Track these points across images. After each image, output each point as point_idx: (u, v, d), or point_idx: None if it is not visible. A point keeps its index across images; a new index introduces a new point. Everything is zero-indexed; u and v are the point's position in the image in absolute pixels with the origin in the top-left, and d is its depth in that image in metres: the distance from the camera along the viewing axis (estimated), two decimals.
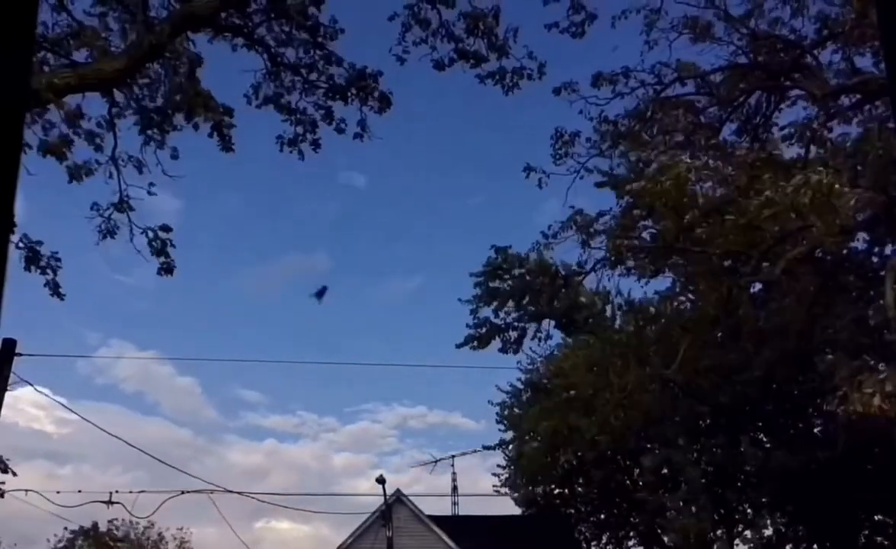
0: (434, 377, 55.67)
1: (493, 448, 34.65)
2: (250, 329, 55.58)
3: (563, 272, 20.88)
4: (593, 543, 34.04)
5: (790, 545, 30.38)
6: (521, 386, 33.91)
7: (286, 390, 64.00)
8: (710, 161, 16.80)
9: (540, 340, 21.90)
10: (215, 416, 60.93)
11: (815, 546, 29.42)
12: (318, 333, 55.56)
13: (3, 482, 23.20)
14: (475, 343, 22.17)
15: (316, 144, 14.58)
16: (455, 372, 53.53)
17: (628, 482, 32.82)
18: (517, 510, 34.79)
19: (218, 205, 56.41)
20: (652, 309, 25.04)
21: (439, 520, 27.74)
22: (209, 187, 59.02)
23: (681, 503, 28.87)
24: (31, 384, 14.74)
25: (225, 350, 58.89)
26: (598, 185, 20.63)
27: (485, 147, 58.40)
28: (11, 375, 13.50)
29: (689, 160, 16.58)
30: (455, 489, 32.12)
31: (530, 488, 33.97)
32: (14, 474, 23.83)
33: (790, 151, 19.70)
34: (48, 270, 13.38)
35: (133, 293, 55.31)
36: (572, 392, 29.15)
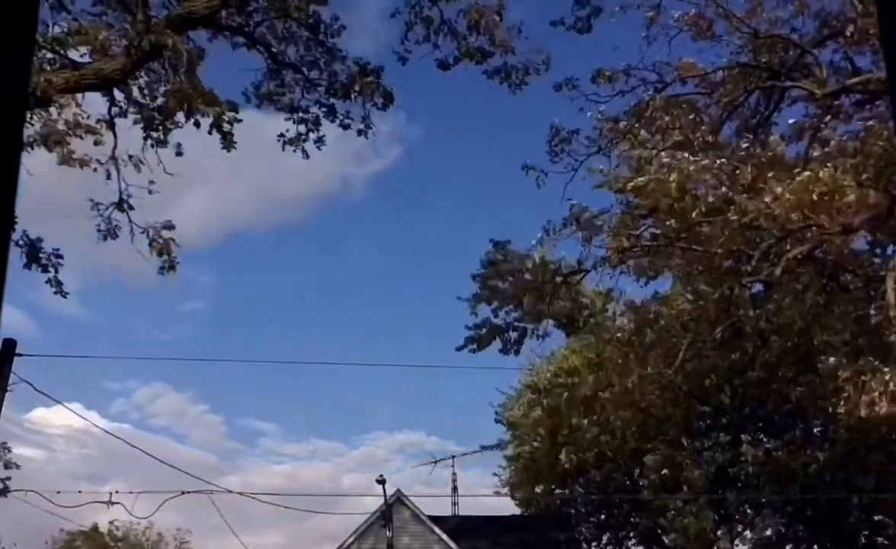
0: (433, 405, 59.72)
1: (493, 448, 34.68)
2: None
3: (563, 270, 20.84)
4: (593, 543, 34.03)
5: (790, 545, 30.38)
6: (522, 387, 33.90)
7: (300, 422, 71.64)
8: (714, 160, 16.72)
9: (540, 338, 21.85)
10: (239, 446, 70.92)
11: (815, 546, 29.42)
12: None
13: (9, 478, 23.16)
14: (475, 345, 22.12)
15: (320, 142, 14.53)
16: (453, 404, 57.15)
17: (629, 482, 32.79)
18: (517, 510, 34.79)
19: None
20: (652, 309, 25.00)
21: (439, 520, 27.71)
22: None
23: (681, 504, 28.84)
24: (32, 385, 14.66)
25: (246, 386, 64.72)
26: (598, 186, 20.59)
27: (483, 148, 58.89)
28: (12, 375, 13.46)
29: (691, 158, 16.51)
30: (455, 489, 32.10)
31: (531, 487, 33.94)
32: (17, 466, 23.81)
33: (791, 151, 19.70)
34: (49, 268, 13.37)
35: (172, 345, 62.87)
36: (572, 393, 29.11)
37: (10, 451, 23.73)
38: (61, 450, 57.06)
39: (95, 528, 41.41)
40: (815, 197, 14.06)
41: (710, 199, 17.01)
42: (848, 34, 17.12)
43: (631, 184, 18.04)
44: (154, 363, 66.28)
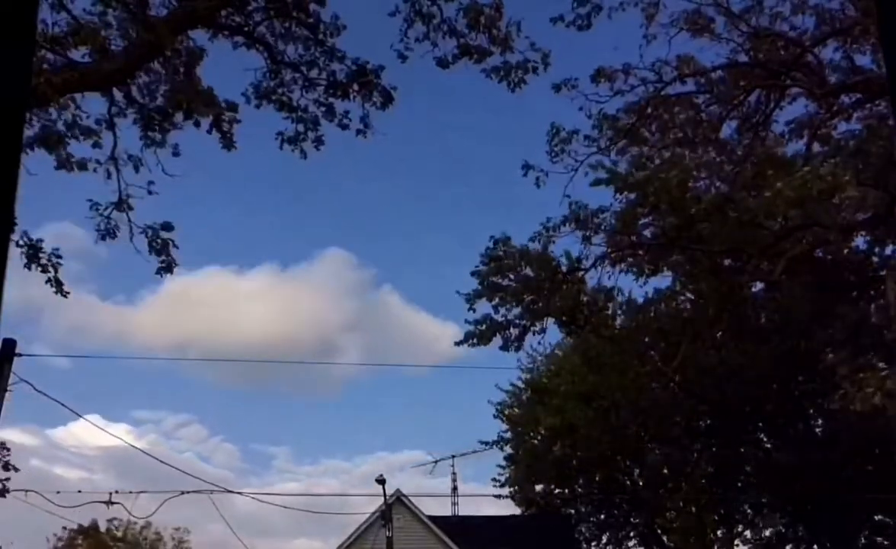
0: (433, 425, 64.34)
1: (492, 445, 34.58)
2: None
3: (563, 268, 20.81)
4: (593, 543, 33.99)
5: (790, 545, 30.38)
6: (521, 386, 33.87)
7: (310, 446, 77.18)
8: (714, 156, 16.73)
9: (538, 334, 21.78)
10: (254, 468, 75.08)
11: (815, 546, 29.41)
12: None
13: (8, 479, 23.12)
14: (474, 340, 22.07)
15: (319, 142, 14.50)
16: (450, 415, 58.89)
17: (628, 481, 32.78)
18: (517, 510, 34.76)
19: None
20: (652, 308, 24.99)
21: (439, 521, 27.70)
22: None
23: (681, 503, 28.85)
24: (32, 385, 14.68)
25: (259, 412, 69.89)
26: (594, 183, 20.53)
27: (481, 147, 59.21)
28: (12, 375, 13.46)
29: (693, 155, 16.52)
30: (455, 489, 32.06)
31: (531, 487, 33.91)
32: (16, 469, 23.76)
33: (791, 149, 19.70)
34: (49, 268, 13.34)
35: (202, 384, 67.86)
36: (572, 391, 29.12)
37: (9, 451, 23.68)
38: (98, 469, 59.97)
39: (95, 526, 41.34)
40: (815, 192, 14.08)
41: (711, 193, 17.03)
42: (848, 32, 17.13)
43: (631, 180, 18.04)
44: (181, 398, 71.80)
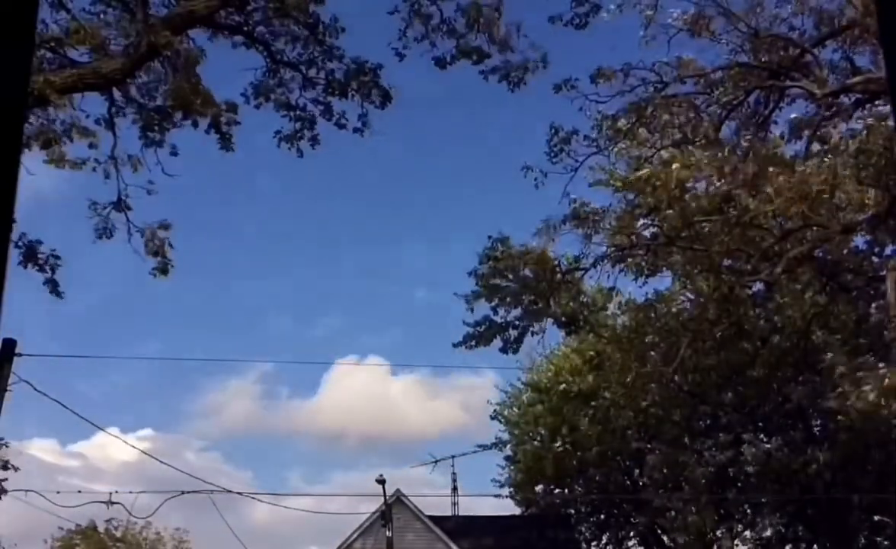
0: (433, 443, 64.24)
1: (491, 447, 34.61)
2: None
3: (563, 267, 20.79)
4: (593, 543, 34.00)
5: (790, 545, 30.38)
6: (521, 386, 33.88)
7: (320, 464, 79.29)
8: (716, 154, 16.69)
9: (538, 335, 21.75)
10: (268, 484, 79.19)
11: (815, 546, 29.42)
12: None
13: (5, 479, 23.08)
14: (474, 342, 22.05)
15: (315, 141, 14.51)
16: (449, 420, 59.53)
17: (629, 482, 32.78)
18: (517, 510, 34.76)
19: None
20: (653, 308, 24.95)
21: (439, 520, 27.69)
22: None
23: (681, 503, 28.83)
24: (31, 385, 14.67)
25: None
26: (594, 184, 20.51)
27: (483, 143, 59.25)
28: (12, 375, 13.46)
29: (693, 154, 16.50)
30: (455, 489, 32.05)
31: (531, 487, 33.91)
32: (16, 469, 23.72)
33: (791, 149, 19.69)
34: (46, 268, 13.35)
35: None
36: (573, 391, 29.11)
37: (7, 446, 23.66)
38: (132, 483, 61.83)
39: (94, 527, 41.16)
40: (814, 191, 14.07)
41: (711, 191, 17.01)
42: (848, 32, 17.13)
43: (631, 177, 18.02)
44: (204, 423, 74.58)
